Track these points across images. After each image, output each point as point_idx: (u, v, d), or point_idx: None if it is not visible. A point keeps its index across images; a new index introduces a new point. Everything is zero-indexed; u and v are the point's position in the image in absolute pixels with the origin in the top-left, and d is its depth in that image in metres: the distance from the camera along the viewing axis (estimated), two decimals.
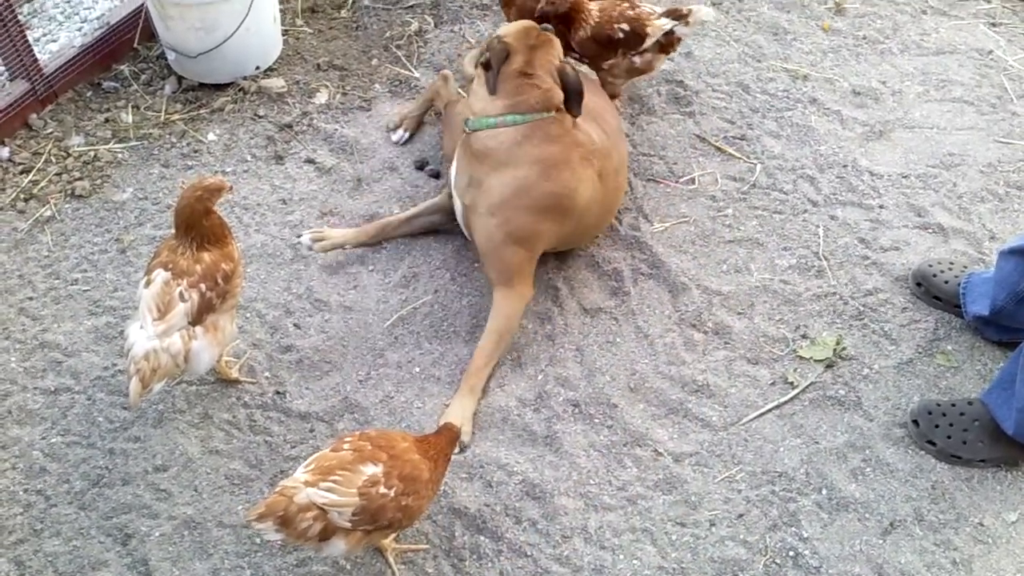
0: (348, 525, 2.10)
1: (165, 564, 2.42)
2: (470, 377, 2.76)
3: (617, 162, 3.00)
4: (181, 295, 2.40)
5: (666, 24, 3.15)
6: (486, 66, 2.84)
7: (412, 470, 2.17)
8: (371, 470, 2.13)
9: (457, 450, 2.47)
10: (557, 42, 2.94)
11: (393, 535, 2.33)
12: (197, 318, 2.43)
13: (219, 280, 2.45)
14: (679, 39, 3.23)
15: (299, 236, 3.11)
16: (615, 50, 3.19)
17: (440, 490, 2.36)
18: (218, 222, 2.49)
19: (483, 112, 2.82)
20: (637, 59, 3.22)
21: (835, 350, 2.86)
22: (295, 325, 2.92)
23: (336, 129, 3.48)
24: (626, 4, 3.20)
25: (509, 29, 2.90)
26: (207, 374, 2.67)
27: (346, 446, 2.19)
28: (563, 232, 2.90)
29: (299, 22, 3.91)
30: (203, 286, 2.43)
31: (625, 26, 3.14)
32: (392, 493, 2.12)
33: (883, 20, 3.94)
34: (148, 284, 2.44)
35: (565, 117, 2.84)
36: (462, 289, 3.02)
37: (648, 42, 3.16)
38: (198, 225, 2.45)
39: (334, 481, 2.09)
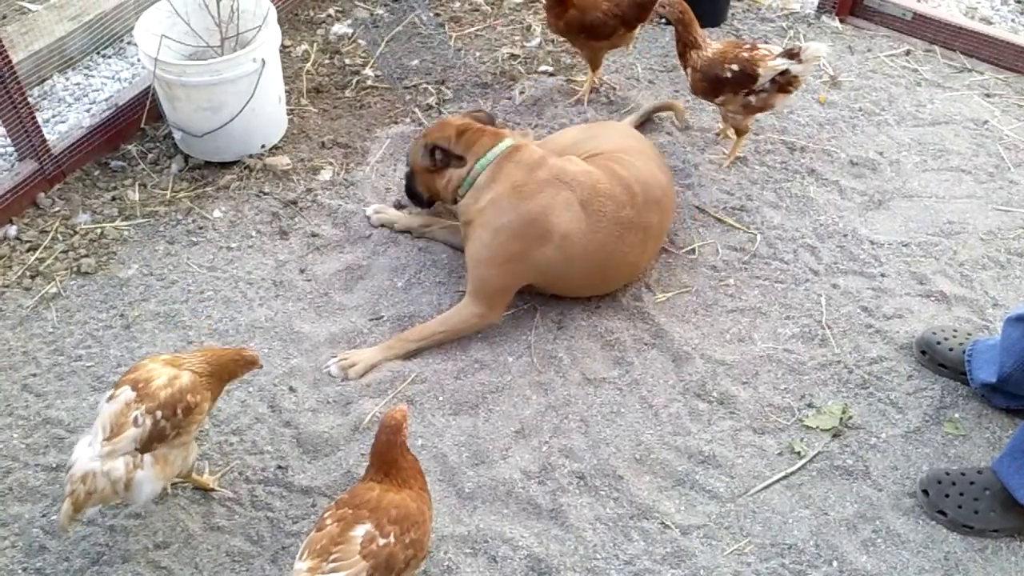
0: None
1: None
2: (399, 340, 3.02)
3: (628, 212, 3.03)
4: (136, 419, 2.31)
5: (780, 64, 3.25)
6: (436, 157, 3.12)
7: (398, 510, 2.16)
8: (362, 530, 2.11)
9: (342, 377, 2.93)
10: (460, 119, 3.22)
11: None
12: (146, 446, 2.33)
13: (179, 411, 2.35)
14: (797, 78, 3.32)
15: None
16: (725, 88, 3.32)
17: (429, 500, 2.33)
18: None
19: (459, 178, 3.09)
20: (752, 98, 3.34)
21: (841, 419, 2.84)
22: (296, 400, 2.91)
23: (340, 204, 3.52)
24: (747, 46, 3.33)
25: (427, 131, 3.22)
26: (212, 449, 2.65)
27: (329, 521, 2.16)
28: (546, 258, 2.99)
29: (304, 102, 3.98)
30: (159, 413, 2.33)
31: (735, 67, 3.27)
32: (392, 539, 2.11)
33: (878, 92, 4.00)
34: (111, 399, 2.37)
35: (524, 146, 3.07)
36: (466, 365, 3.01)
37: (760, 82, 3.27)
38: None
39: (335, 559, 2.07)
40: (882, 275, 3.25)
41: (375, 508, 2.16)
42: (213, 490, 2.67)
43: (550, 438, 2.81)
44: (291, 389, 2.94)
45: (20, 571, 2.52)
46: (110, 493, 2.31)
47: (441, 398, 2.92)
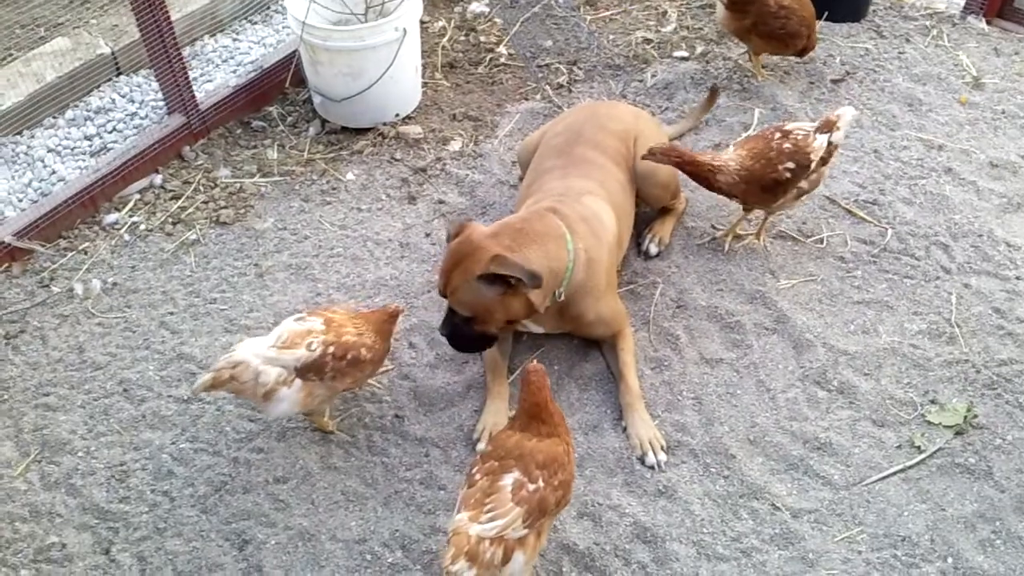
0: (525, 531, 2.12)
1: (278, 572, 2.47)
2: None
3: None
4: (310, 344, 2.46)
5: (823, 141, 3.01)
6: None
7: (544, 456, 2.19)
8: (511, 478, 2.15)
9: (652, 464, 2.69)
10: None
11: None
12: (303, 371, 2.45)
13: (348, 356, 2.49)
14: (836, 146, 3.07)
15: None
16: (781, 189, 3.04)
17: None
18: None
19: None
20: (804, 183, 3.06)
21: (966, 417, 2.76)
22: (415, 355, 2.98)
23: (467, 174, 3.59)
24: (779, 135, 3.04)
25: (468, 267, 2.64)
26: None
27: (478, 476, 2.20)
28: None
29: (438, 75, 4.07)
30: (331, 349, 2.47)
31: (791, 164, 2.99)
32: (541, 483, 2.15)
33: (1023, 96, 3.87)
34: (299, 320, 2.53)
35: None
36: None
37: (813, 164, 3.02)
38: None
39: (490, 509, 2.11)
40: (1017, 278, 3.14)
41: (520, 456, 2.18)
42: (332, 432, 2.76)
43: (663, 412, 2.81)
44: (411, 345, 3.01)
45: (148, 492, 2.65)
46: (250, 390, 2.42)
47: (557, 367, 2.95)
